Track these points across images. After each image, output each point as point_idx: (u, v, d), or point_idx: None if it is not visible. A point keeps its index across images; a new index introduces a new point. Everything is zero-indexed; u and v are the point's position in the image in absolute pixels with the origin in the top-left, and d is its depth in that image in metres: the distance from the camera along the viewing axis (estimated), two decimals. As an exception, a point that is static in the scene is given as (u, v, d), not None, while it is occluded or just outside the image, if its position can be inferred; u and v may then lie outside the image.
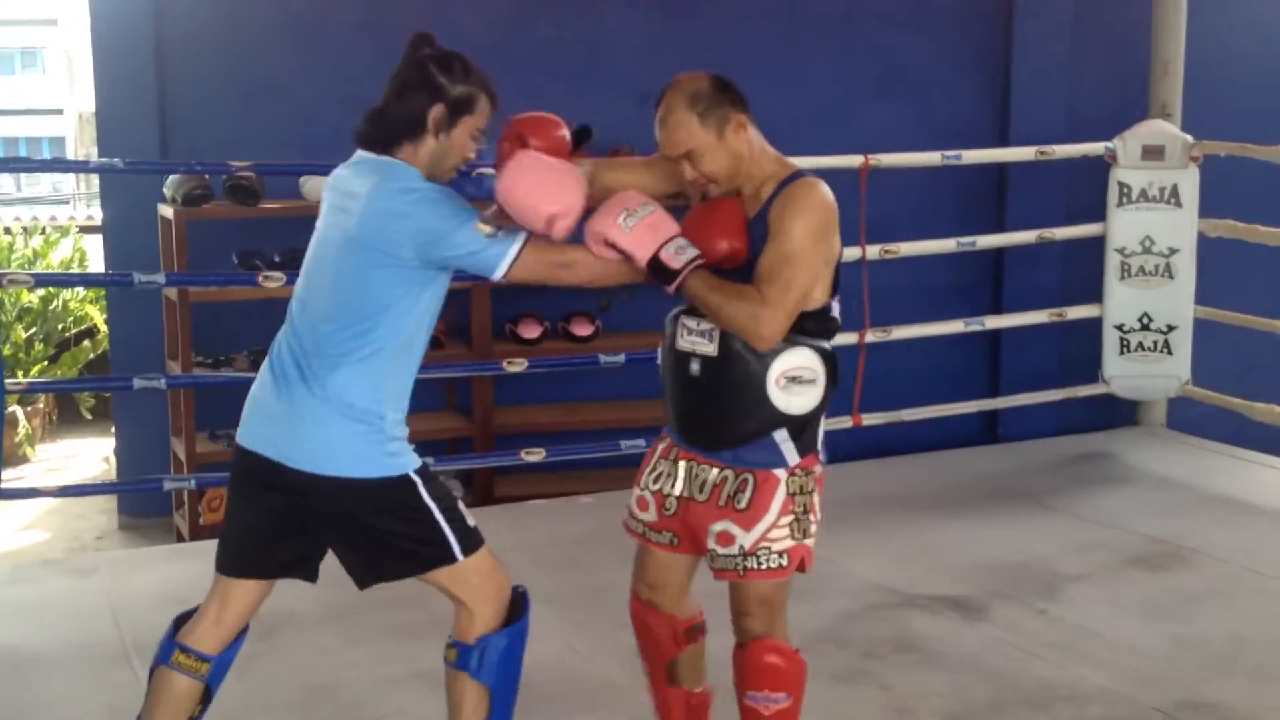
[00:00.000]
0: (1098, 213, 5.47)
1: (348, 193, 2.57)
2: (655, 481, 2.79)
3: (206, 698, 2.67)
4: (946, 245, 5.30)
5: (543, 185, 2.59)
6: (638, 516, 2.84)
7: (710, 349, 2.62)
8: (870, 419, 5.14)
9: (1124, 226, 5.40)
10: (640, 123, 5.69)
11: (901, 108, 5.94)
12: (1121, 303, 5.46)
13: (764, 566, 2.62)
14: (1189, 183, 5.35)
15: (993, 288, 6.12)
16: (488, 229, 2.51)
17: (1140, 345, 5.48)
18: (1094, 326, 5.55)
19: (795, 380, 2.60)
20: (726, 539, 2.64)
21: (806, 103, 5.76)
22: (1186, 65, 5.61)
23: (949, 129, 5.88)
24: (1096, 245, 5.51)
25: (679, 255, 2.57)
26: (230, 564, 2.65)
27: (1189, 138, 5.37)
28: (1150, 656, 3.58)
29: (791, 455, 2.63)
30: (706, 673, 2.90)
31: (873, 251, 5.01)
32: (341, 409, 2.54)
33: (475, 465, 5.31)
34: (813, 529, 2.67)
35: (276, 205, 5.19)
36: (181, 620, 2.68)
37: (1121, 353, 5.51)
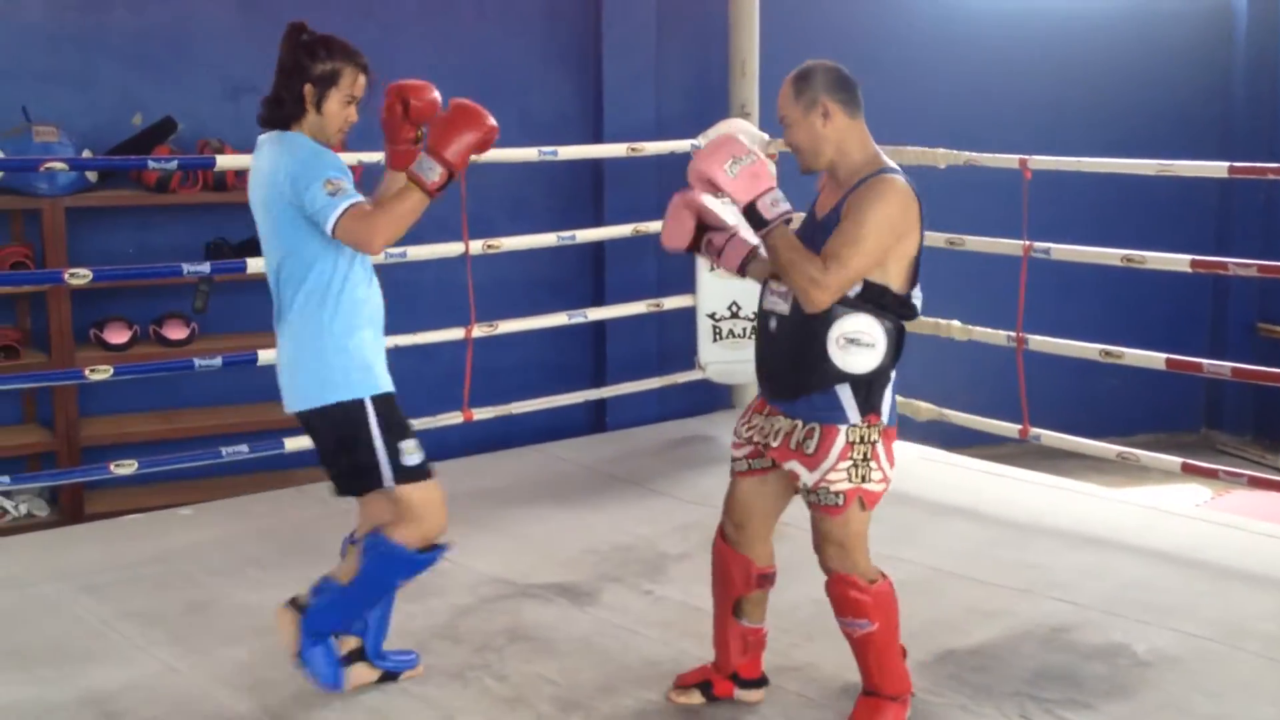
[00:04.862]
0: (688, 207, 5.72)
1: (257, 169, 3.11)
2: (748, 430, 3.14)
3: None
4: (547, 239, 5.40)
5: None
6: (738, 456, 3.17)
7: (784, 308, 2.97)
8: (480, 413, 5.16)
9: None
10: (230, 116, 5.55)
11: (498, 105, 5.97)
12: (712, 293, 5.74)
13: (823, 503, 2.98)
14: (769, 178, 5.68)
15: (594, 280, 6.29)
16: (331, 186, 2.96)
17: (731, 332, 5.78)
18: (689, 316, 5.81)
19: (854, 342, 2.91)
20: (793, 478, 3.02)
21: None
22: (763, 66, 5.96)
23: (545, 126, 5.99)
24: (688, 238, 5.76)
25: (774, 207, 2.88)
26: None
27: (766, 136, 5.71)
28: (747, 626, 3.78)
29: (854, 414, 2.95)
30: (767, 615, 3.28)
31: (476, 247, 5.03)
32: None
33: (61, 481, 4.95)
34: (874, 475, 2.97)
35: None
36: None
37: (715, 340, 5.80)
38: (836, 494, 2.97)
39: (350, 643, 3.33)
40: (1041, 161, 4.94)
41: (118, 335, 5.17)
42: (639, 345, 6.27)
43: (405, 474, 3.11)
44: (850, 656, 3.51)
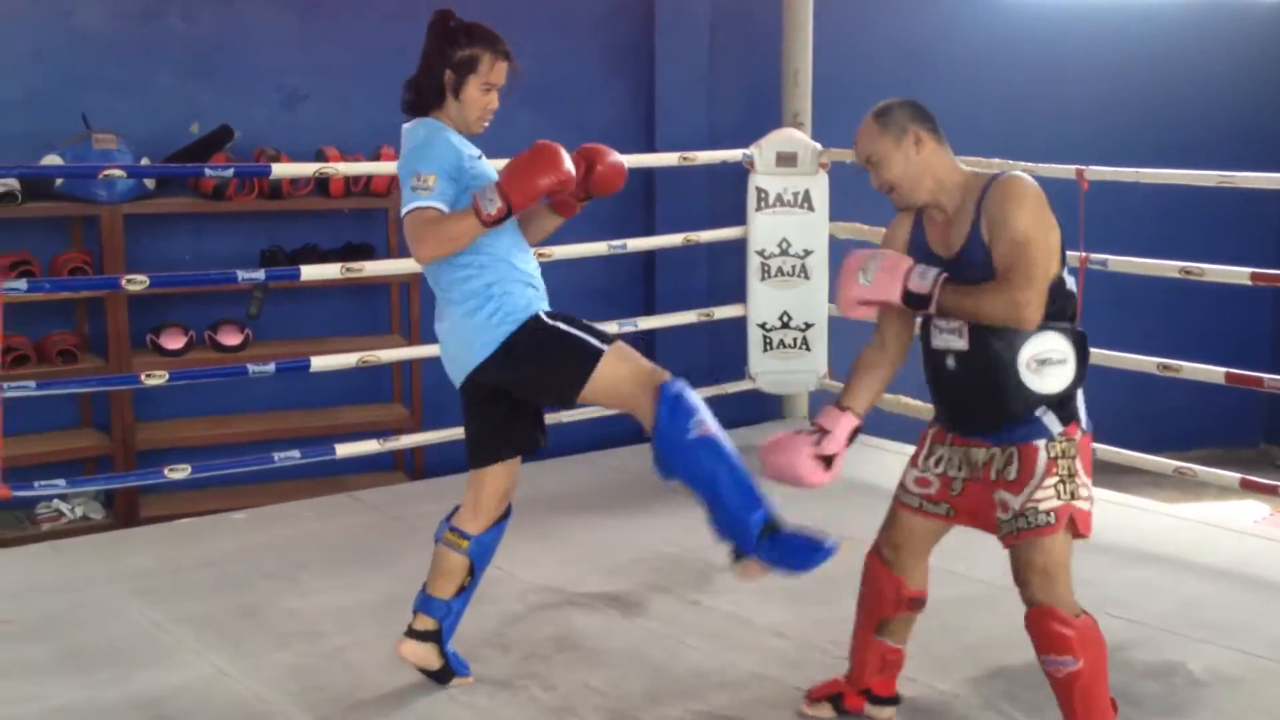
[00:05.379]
0: (739, 216, 5.71)
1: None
2: (937, 465, 3.03)
3: (473, 571, 3.31)
4: (598, 248, 5.40)
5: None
6: (914, 491, 3.07)
7: (961, 344, 2.87)
8: (529, 421, 5.17)
9: (763, 229, 5.66)
10: (286, 125, 5.61)
11: (553, 114, 6.01)
12: (763, 302, 5.72)
13: (1033, 525, 2.84)
14: (819, 188, 5.66)
15: (644, 289, 6.29)
16: (417, 180, 2.97)
17: (781, 342, 5.75)
18: (739, 325, 5.79)
19: (1045, 362, 2.83)
20: (1004, 507, 2.88)
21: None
22: (816, 76, 5.94)
23: (598, 135, 5.96)
24: (739, 247, 5.75)
25: (922, 279, 2.83)
26: (474, 458, 3.26)
27: (818, 145, 5.69)
28: (795, 639, 3.76)
29: (1054, 425, 2.85)
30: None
31: (527, 255, 5.04)
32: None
33: (116, 485, 5.01)
34: (1082, 491, 2.86)
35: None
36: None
37: (765, 350, 5.77)
38: (1047, 513, 2.83)
39: (428, 623, 3.34)
40: (1099, 172, 4.88)
41: (173, 341, 5.23)
42: (689, 355, 6.25)
43: (606, 339, 3.13)
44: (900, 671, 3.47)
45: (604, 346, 3.09)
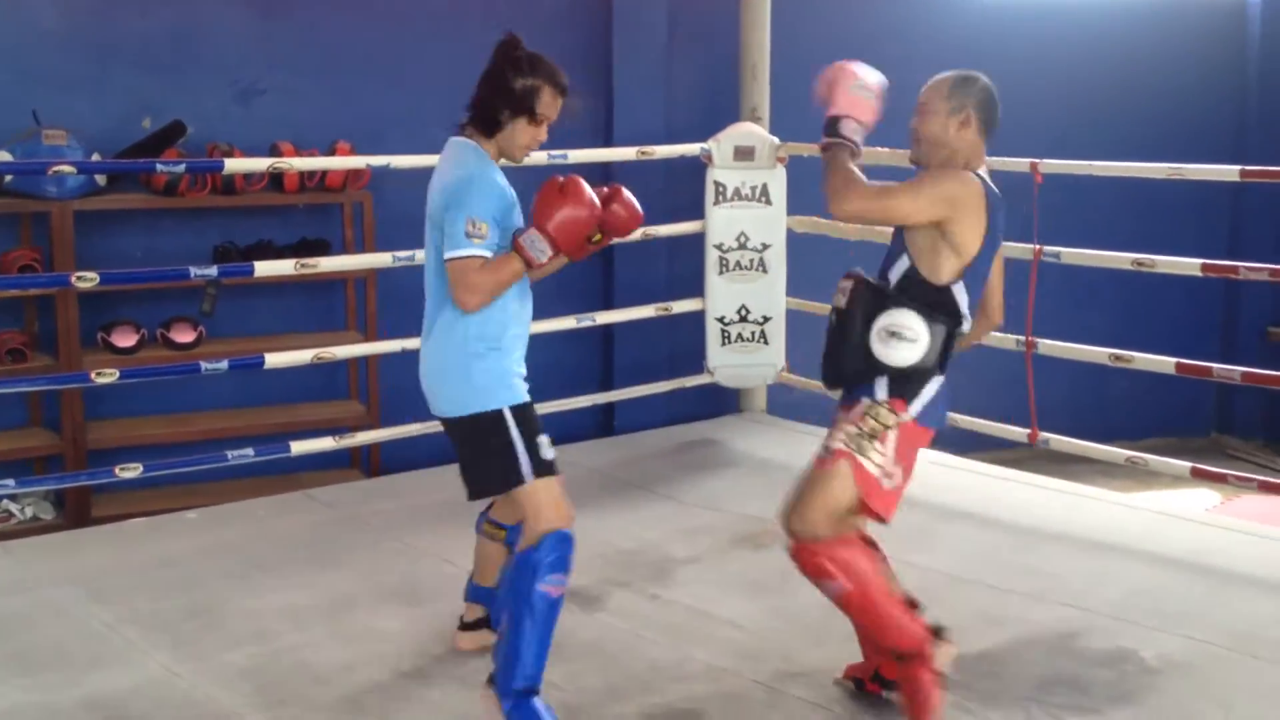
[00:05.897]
0: (697, 210, 5.71)
1: (438, 172, 3.13)
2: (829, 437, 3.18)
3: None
4: (555, 243, 5.38)
5: None
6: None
7: (841, 301, 3.07)
8: (486, 417, 5.15)
9: (721, 223, 5.67)
10: (241, 119, 5.56)
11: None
12: (721, 296, 5.73)
13: (819, 456, 3.07)
14: (777, 182, 5.67)
15: (602, 283, 6.28)
16: (472, 227, 2.95)
17: (739, 336, 5.76)
18: (698, 319, 5.80)
19: (895, 335, 2.98)
20: None
21: (414, 100, 5.71)
22: (774, 70, 5.95)
23: (555, 129, 5.94)
24: (697, 241, 5.75)
25: (855, 133, 3.02)
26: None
27: (776, 139, 5.70)
28: (753, 631, 3.77)
29: (881, 391, 3.02)
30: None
31: (483, 250, 5.02)
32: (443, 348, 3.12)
33: (66, 485, 4.94)
34: (874, 457, 3.00)
35: None
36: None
37: (723, 344, 5.78)
38: (829, 449, 3.05)
39: (478, 611, 3.50)
40: (1052, 165, 4.92)
41: (125, 338, 5.17)
42: (647, 349, 6.25)
43: (542, 468, 3.12)
44: (860, 659, 3.49)
45: (529, 477, 3.10)
